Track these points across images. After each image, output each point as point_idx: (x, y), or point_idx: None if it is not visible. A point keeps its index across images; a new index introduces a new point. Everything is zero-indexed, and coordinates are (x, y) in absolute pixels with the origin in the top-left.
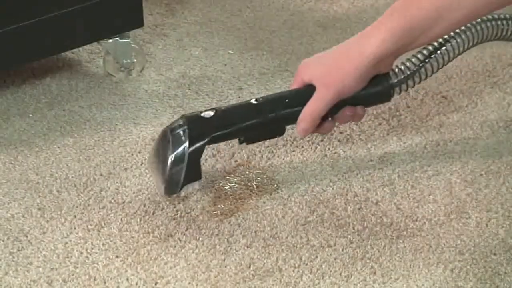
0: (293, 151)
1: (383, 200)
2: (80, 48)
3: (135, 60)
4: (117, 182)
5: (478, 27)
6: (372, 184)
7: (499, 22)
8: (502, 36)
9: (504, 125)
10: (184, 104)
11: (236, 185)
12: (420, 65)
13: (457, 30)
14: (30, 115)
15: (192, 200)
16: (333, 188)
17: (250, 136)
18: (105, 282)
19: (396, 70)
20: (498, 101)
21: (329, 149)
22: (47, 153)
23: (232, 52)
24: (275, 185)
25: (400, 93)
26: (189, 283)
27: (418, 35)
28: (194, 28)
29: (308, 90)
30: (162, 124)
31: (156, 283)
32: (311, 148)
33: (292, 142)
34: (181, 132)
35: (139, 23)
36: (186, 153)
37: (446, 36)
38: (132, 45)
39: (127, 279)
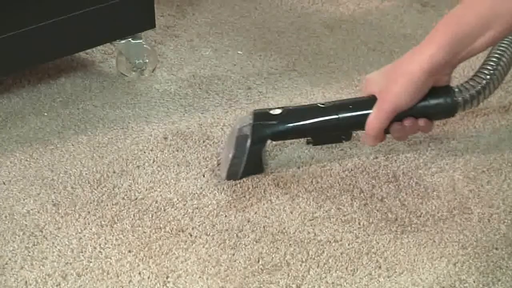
0: (300, 148)
1: (388, 197)
2: (94, 49)
3: (147, 61)
4: (129, 179)
5: None
6: (377, 180)
7: None
8: None
9: (506, 123)
10: (194, 103)
11: (245, 182)
12: (484, 82)
13: (505, 41)
14: (45, 114)
15: (202, 196)
16: (339, 185)
17: (315, 137)
18: (118, 276)
19: (462, 87)
20: (500, 99)
21: (335, 146)
22: (62, 150)
23: (241, 53)
24: (283, 182)
25: (464, 110)
26: (200, 277)
27: (465, 46)
28: (205, 29)
29: (370, 99)
30: (174, 122)
31: (167, 277)
32: (318, 145)
33: (299, 140)
34: (247, 128)
35: (151, 25)
36: (247, 149)
37: (499, 51)
38: (144, 45)
39: (139, 273)
